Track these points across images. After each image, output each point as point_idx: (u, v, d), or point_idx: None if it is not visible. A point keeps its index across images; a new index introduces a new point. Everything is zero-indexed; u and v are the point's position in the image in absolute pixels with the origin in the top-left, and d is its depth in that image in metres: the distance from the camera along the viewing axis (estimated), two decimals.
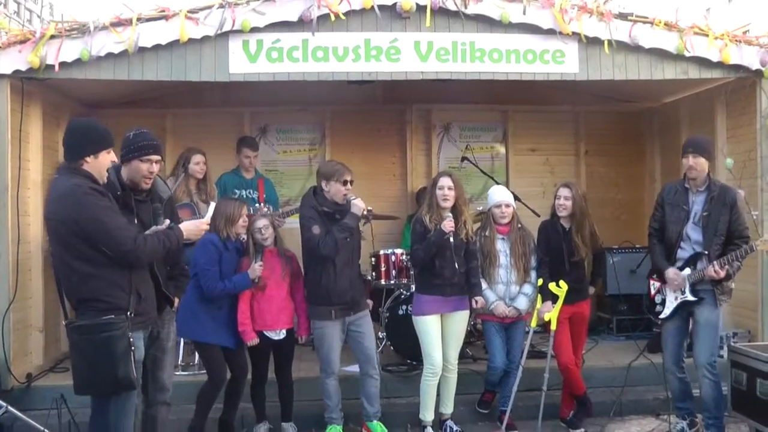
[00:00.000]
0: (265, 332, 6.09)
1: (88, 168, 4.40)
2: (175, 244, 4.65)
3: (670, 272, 6.03)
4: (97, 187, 4.36)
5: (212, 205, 5.33)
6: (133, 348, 4.32)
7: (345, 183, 6.11)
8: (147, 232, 4.56)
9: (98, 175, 4.45)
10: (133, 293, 4.40)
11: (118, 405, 4.39)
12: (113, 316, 4.28)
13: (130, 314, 4.35)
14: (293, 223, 8.02)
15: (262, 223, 6.17)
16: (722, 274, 5.78)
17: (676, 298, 6.08)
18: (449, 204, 6.16)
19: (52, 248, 4.49)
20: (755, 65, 7.30)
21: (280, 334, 6.14)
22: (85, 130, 4.54)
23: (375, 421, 6.29)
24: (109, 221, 4.28)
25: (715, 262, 5.79)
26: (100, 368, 4.26)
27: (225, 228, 5.99)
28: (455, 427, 6.37)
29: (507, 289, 6.44)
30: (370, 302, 6.55)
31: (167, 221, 4.76)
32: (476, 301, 6.28)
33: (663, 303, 6.20)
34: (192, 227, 4.84)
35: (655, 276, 6.33)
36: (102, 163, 4.46)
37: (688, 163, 5.96)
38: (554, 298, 6.18)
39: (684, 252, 6.06)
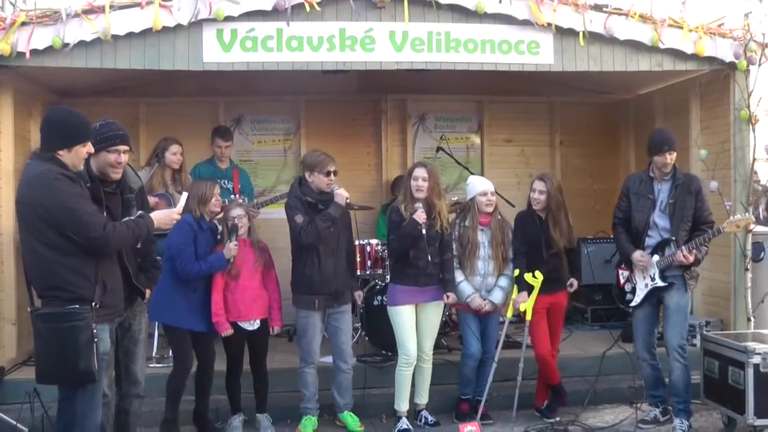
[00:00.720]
0: (239, 323, 6.07)
1: (62, 158, 4.36)
2: (145, 233, 4.62)
3: (637, 254, 6.13)
4: (68, 173, 4.31)
5: (184, 194, 5.31)
6: (96, 340, 4.26)
7: (328, 174, 6.11)
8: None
9: (72, 165, 4.40)
10: (99, 284, 4.34)
11: (85, 398, 4.35)
12: (77, 306, 4.23)
13: (95, 305, 4.30)
14: (268, 214, 8.05)
15: (237, 212, 6.16)
16: (691, 258, 5.91)
17: (646, 285, 6.16)
18: (422, 195, 6.16)
19: (21, 234, 4.42)
20: (729, 57, 7.34)
21: (254, 325, 6.12)
22: (61, 122, 4.45)
23: (346, 413, 6.32)
24: (78, 207, 4.24)
25: (683, 247, 5.92)
26: (62, 358, 4.22)
27: (198, 207, 6.00)
28: (430, 417, 6.38)
29: (483, 281, 6.43)
30: (359, 294, 6.57)
31: (139, 212, 4.72)
32: (447, 297, 6.28)
33: (633, 291, 6.28)
34: (162, 216, 4.81)
35: (623, 265, 6.39)
36: (77, 155, 4.41)
37: (664, 160, 6.06)
38: (530, 288, 6.21)
39: (652, 239, 6.17)
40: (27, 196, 4.29)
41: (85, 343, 4.22)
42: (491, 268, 6.45)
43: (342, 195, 6.14)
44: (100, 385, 4.46)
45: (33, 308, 4.37)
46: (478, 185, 6.57)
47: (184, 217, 5.83)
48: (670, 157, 6.06)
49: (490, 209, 6.48)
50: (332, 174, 6.15)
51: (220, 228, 6.19)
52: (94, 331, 4.26)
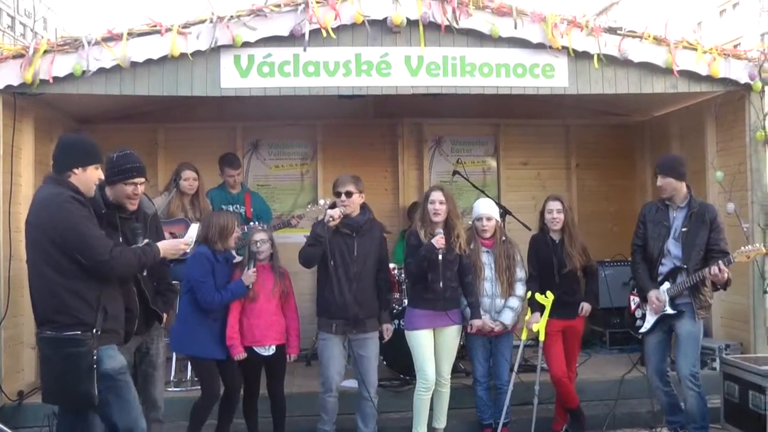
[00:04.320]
0: (254, 348, 6.08)
1: (75, 181, 4.43)
2: (150, 261, 4.67)
3: (652, 295, 6.10)
4: (79, 197, 4.37)
5: (193, 226, 5.28)
6: (95, 366, 4.29)
7: (339, 195, 6.11)
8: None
9: (85, 188, 4.46)
10: (100, 310, 4.37)
11: (82, 422, 4.42)
12: (79, 332, 4.27)
13: (96, 331, 4.32)
14: (285, 237, 8.04)
15: (260, 236, 6.19)
16: (724, 276, 5.80)
17: (656, 313, 6.12)
18: (440, 218, 6.16)
19: (27, 255, 4.48)
20: (744, 79, 7.35)
21: (269, 350, 6.11)
22: (74, 144, 4.59)
23: None
24: (86, 230, 4.30)
25: (718, 263, 5.79)
26: (62, 381, 4.28)
27: (218, 241, 6.02)
28: None
29: (492, 302, 6.41)
30: (387, 327, 6.37)
31: (146, 241, 4.75)
32: (471, 326, 6.27)
33: (643, 318, 6.25)
34: (169, 246, 4.85)
35: (635, 291, 6.38)
36: (90, 177, 4.48)
37: (657, 183, 6.10)
38: (542, 309, 6.19)
39: (664, 267, 6.15)
40: (37, 216, 4.36)
41: (86, 369, 4.27)
42: (498, 289, 6.43)
43: (328, 213, 6.04)
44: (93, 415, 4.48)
45: (38, 331, 4.42)
46: (476, 209, 6.59)
47: (200, 250, 5.93)
48: (662, 181, 6.06)
49: (486, 235, 6.48)
50: (343, 195, 6.10)
51: (234, 255, 6.21)
52: (95, 357, 4.29)
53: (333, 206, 6.19)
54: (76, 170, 4.42)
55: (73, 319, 4.28)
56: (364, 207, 6.26)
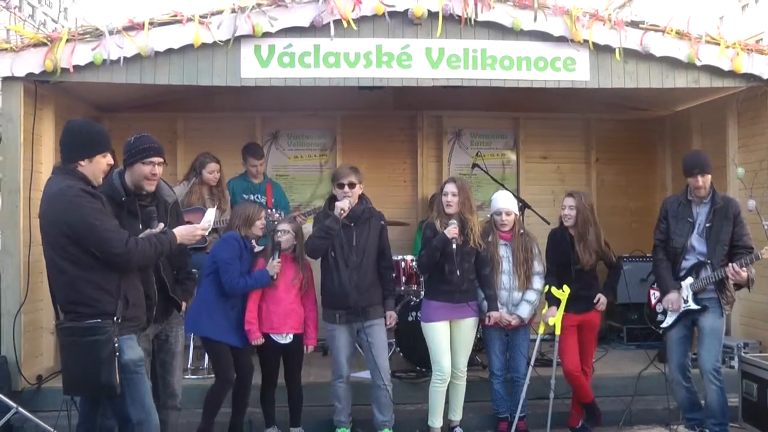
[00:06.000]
0: (271, 335, 6.10)
1: (83, 170, 4.40)
2: (167, 249, 4.61)
3: (672, 296, 6.10)
4: (90, 189, 4.35)
5: (210, 211, 5.19)
6: (117, 354, 4.28)
7: (341, 186, 6.13)
8: (140, 235, 4.53)
9: (93, 177, 4.44)
10: (121, 298, 4.37)
11: (104, 410, 4.47)
12: (99, 320, 4.26)
13: (117, 319, 4.32)
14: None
15: (284, 226, 6.24)
16: (743, 274, 5.79)
17: (678, 307, 6.09)
18: (452, 210, 6.15)
19: (44, 249, 4.47)
20: (767, 74, 7.28)
21: (286, 339, 6.14)
22: (81, 132, 4.51)
23: (386, 430, 6.27)
24: (99, 223, 4.26)
25: (735, 263, 5.80)
26: (84, 371, 4.27)
27: (242, 229, 6.09)
28: None
29: (509, 295, 6.41)
30: (390, 314, 6.38)
31: (161, 225, 4.70)
32: (489, 317, 6.26)
33: (664, 312, 6.23)
34: (185, 232, 4.76)
35: (655, 285, 6.36)
36: (98, 166, 4.45)
37: (696, 183, 6.04)
38: (558, 303, 6.18)
39: (688, 262, 6.14)
40: (49, 212, 4.34)
41: (106, 357, 4.25)
42: (516, 283, 6.42)
43: (338, 207, 6.05)
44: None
45: (58, 322, 4.44)
46: (495, 203, 6.58)
47: (232, 233, 6.04)
48: (702, 180, 6.01)
49: (504, 228, 6.47)
50: (346, 186, 6.10)
51: (255, 245, 6.25)
52: (116, 345, 4.28)
53: (333, 199, 6.21)
54: (82, 162, 4.38)
55: (95, 310, 4.28)
56: (361, 197, 6.28)
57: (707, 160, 6.13)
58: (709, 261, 5.98)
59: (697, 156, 6.31)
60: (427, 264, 6.18)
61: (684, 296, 6.07)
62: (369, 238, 6.22)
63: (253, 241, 6.24)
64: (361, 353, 6.49)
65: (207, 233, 5.03)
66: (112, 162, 4.57)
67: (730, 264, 5.84)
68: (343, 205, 6.02)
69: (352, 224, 6.14)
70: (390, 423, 6.28)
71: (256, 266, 6.13)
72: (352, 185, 6.12)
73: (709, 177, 6.04)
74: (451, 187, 6.21)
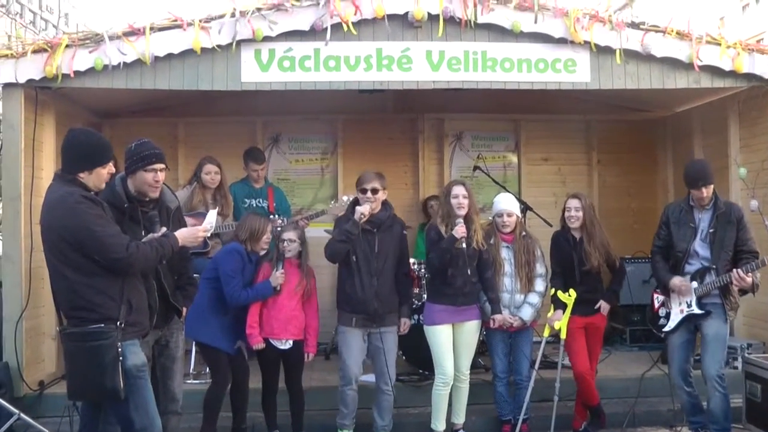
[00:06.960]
0: (271, 340, 6.10)
1: (84, 180, 4.39)
2: (169, 251, 4.60)
3: (676, 280, 6.03)
4: (89, 195, 4.34)
5: (211, 212, 5.13)
6: (121, 359, 4.27)
7: (365, 191, 6.11)
8: (143, 240, 4.52)
9: (94, 186, 4.44)
10: (124, 303, 4.36)
11: (105, 416, 4.45)
12: (103, 325, 4.26)
13: (121, 324, 4.31)
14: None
15: (289, 235, 6.22)
16: (748, 280, 5.75)
17: (681, 312, 6.06)
18: (464, 211, 6.14)
19: (45, 256, 4.46)
20: None
21: (285, 344, 6.13)
22: (81, 145, 4.48)
23: None
24: (100, 229, 4.25)
25: (740, 269, 5.75)
26: (88, 376, 4.27)
27: (248, 243, 6.08)
28: None
29: (512, 297, 6.40)
30: (405, 321, 6.33)
31: (163, 229, 4.70)
32: (493, 321, 6.25)
33: (667, 317, 6.18)
34: (187, 234, 4.76)
35: (658, 289, 6.32)
36: (99, 177, 4.44)
37: (700, 195, 5.96)
38: (564, 306, 6.16)
39: (692, 267, 6.07)
40: (49, 219, 4.33)
41: (110, 362, 4.24)
42: (518, 285, 6.41)
43: (358, 211, 6.03)
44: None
45: (61, 327, 4.43)
46: (497, 205, 6.57)
47: (235, 245, 6.04)
48: (706, 191, 5.95)
49: (506, 230, 6.46)
50: (369, 192, 6.10)
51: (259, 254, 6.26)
52: (119, 349, 4.28)
53: (356, 203, 6.19)
54: (82, 174, 4.37)
55: (98, 315, 4.27)
56: (385, 203, 6.26)
57: (709, 170, 6.03)
58: (713, 266, 5.93)
59: (698, 167, 6.16)
60: (438, 266, 6.16)
61: (687, 300, 6.03)
62: (391, 245, 6.21)
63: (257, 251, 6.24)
64: (366, 357, 6.46)
65: (209, 235, 5.03)
66: (113, 171, 4.57)
67: (735, 270, 5.78)
68: (364, 210, 6.00)
69: (375, 230, 6.12)
70: (388, 428, 6.28)
71: (260, 269, 6.13)
72: (375, 191, 6.10)
73: (712, 187, 5.97)
74: (460, 190, 6.20)
